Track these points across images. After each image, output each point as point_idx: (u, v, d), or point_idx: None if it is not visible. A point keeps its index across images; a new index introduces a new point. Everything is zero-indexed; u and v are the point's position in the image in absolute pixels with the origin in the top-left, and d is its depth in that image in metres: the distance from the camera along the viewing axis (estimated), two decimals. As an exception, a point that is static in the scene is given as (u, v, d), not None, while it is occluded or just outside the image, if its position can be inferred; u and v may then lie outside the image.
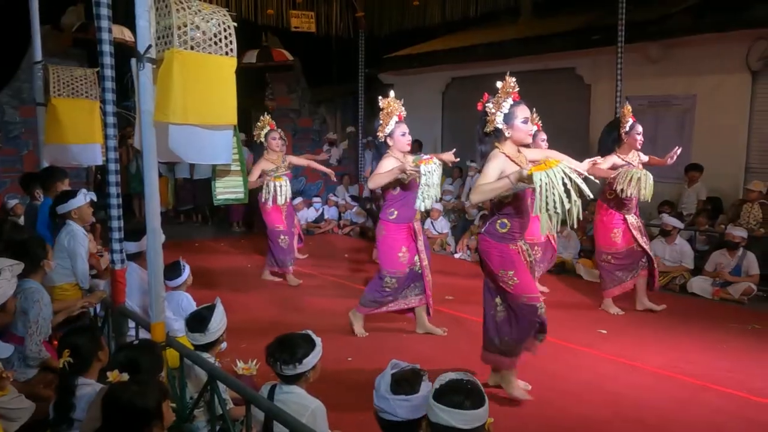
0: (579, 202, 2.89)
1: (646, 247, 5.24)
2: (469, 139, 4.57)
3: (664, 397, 3.53)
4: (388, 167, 4.33)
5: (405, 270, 4.49)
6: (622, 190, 4.96)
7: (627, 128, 5.08)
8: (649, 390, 3.61)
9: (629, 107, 5.19)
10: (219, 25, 2.80)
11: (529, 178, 2.89)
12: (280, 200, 6.06)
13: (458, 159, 4.54)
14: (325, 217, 9.93)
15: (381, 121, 4.47)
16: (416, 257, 4.51)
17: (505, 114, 3.24)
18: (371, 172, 4.71)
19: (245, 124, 13.14)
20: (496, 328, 3.46)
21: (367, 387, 2.09)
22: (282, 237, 6.18)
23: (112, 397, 1.92)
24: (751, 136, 7.38)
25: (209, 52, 2.75)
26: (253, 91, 11.02)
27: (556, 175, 2.83)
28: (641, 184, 4.91)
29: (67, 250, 3.78)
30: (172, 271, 4.08)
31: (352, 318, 4.71)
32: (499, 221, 3.34)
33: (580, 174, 3.02)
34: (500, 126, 3.26)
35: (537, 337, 3.45)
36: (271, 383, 2.59)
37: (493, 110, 3.28)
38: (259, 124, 6.35)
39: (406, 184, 4.37)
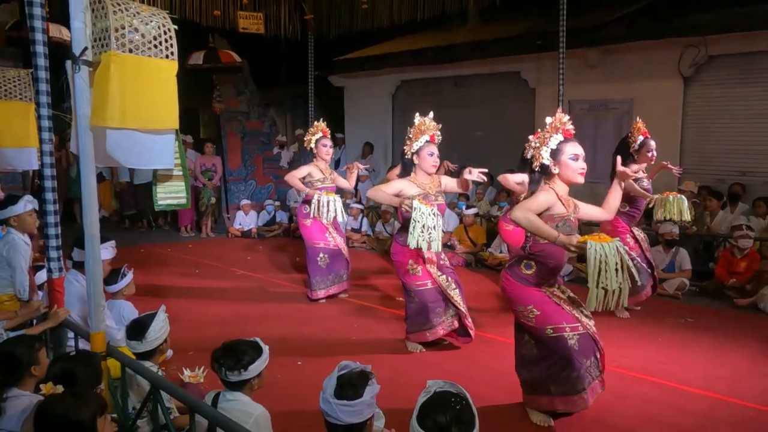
0: (627, 285, 2.81)
1: (651, 257, 5.26)
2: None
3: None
4: (394, 189, 4.19)
5: (425, 284, 4.29)
6: (656, 213, 5.00)
7: (636, 146, 5.00)
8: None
9: (640, 123, 5.09)
10: (159, 27, 2.74)
11: (579, 247, 2.78)
12: (328, 217, 5.54)
13: (479, 179, 4.25)
14: (277, 220, 9.85)
15: (410, 137, 4.24)
16: (440, 277, 4.30)
17: (552, 149, 3.06)
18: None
19: (193, 125, 12.89)
20: (525, 364, 3.33)
21: (317, 391, 2.10)
22: (321, 255, 5.65)
23: (46, 410, 1.86)
24: (684, 138, 7.78)
25: (149, 56, 2.69)
26: (201, 93, 10.82)
27: (611, 250, 2.76)
28: (676, 208, 5.00)
29: (6, 260, 3.63)
30: (112, 275, 3.98)
31: (405, 344, 4.50)
32: (525, 261, 3.18)
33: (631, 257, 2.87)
34: (546, 162, 3.07)
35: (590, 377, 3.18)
36: (215, 391, 2.57)
37: (538, 144, 3.10)
38: (311, 129, 5.87)
39: None
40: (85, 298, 3.25)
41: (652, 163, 5.13)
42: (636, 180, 5.04)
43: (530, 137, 3.24)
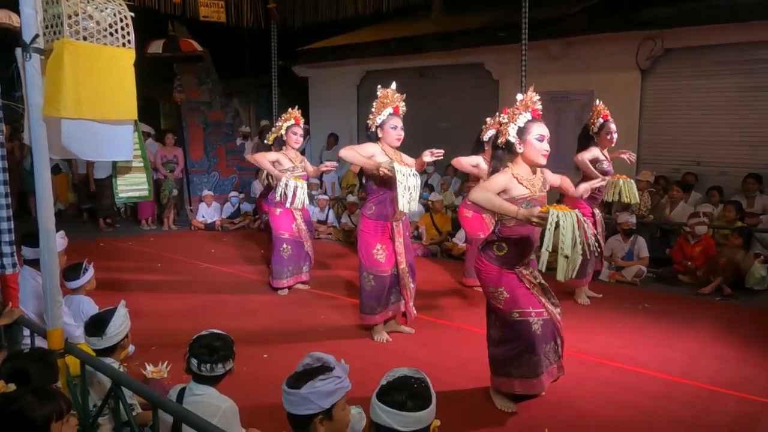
0: (579, 258, 2.83)
1: (602, 240, 5.40)
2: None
3: (563, 375, 3.77)
4: (367, 152, 4.17)
5: (386, 270, 4.32)
6: (606, 195, 5.10)
7: (596, 128, 5.10)
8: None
9: (600, 106, 5.15)
10: (114, 15, 2.66)
11: (541, 218, 2.80)
12: (296, 203, 5.41)
13: (437, 158, 4.25)
14: (241, 212, 9.73)
15: (373, 110, 4.23)
16: (401, 266, 4.34)
17: (519, 127, 3.08)
18: None
19: (154, 116, 12.58)
20: (493, 344, 3.38)
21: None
22: (284, 246, 5.62)
23: (4, 404, 1.81)
24: (642, 129, 8.00)
25: (104, 43, 2.60)
26: (161, 83, 10.56)
27: (573, 219, 2.79)
28: (624, 192, 5.11)
29: None
30: (73, 271, 3.87)
31: (372, 335, 4.49)
32: (496, 243, 3.22)
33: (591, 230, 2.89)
34: (512, 139, 3.08)
35: (548, 360, 3.27)
36: (180, 386, 2.54)
37: (507, 120, 3.11)
38: (284, 115, 5.68)
39: (385, 182, 4.19)
40: (41, 295, 3.16)
41: (612, 145, 5.24)
42: (597, 162, 5.12)
43: (487, 119, 3.28)
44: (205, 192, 9.75)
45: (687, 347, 4.35)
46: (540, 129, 3.09)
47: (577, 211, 2.88)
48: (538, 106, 3.13)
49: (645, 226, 6.86)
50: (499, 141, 3.17)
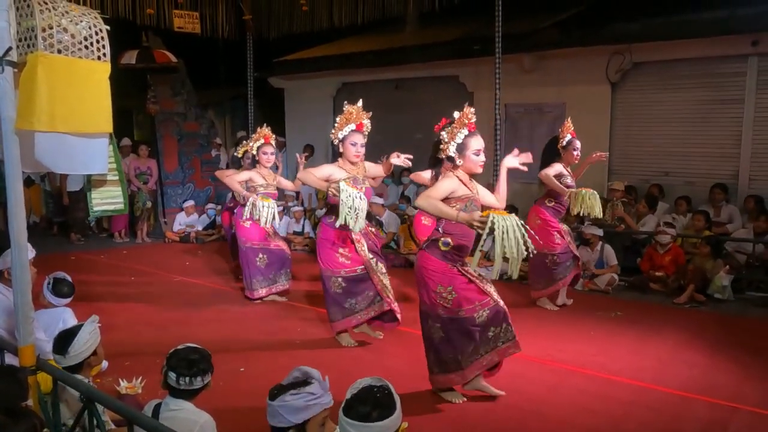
0: (523, 255, 3.04)
1: (575, 249, 5.63)
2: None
3: (536, 383, 3.84)
4: (323, 173, 4.30)
5: (355, 269, 4.38)
6: (572, 208, 5.34)
7: (564, 143, 5.34)
8: (522, 377, 3.88)
9: (569, 123, 5.41)
10: (90, 28, 2.66)
11: (481, 222, 3.02)
12: (264, 222, 5.38)
13: (404, 162, 4.34)
14: (217, 224, 9.65)
15: (336, 124, 4.37)
16: (371, 260, 4.39)
17: (458, 144, 3.35)
18: None
19: (127, 127, 12.43)
20: (434, 349, 3.51)
21: (261, 398, 2.08)
22: (261, 255, 5.65)
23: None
24: (612, 141, 8.19)
25: (79, 57, 2.60)
26: (135, 93, 10.45)
27: (513, 222, 3.00)
28: (588, 204, 5.26)
29: None
30: (67, 288, 3.79)
31: (337, 339, 4.58)
32: (442, 239, 3.39)
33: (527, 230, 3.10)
34: (452, 155, 3.38)
35: (494, 345, 3.48)
36: (155, 401, 2.51)
37: (447, 139, 3.38)
38: (254, 135, 5.81)
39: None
40: (11, 311, 3.09)
41: (576, 162, 5.49)
42: (561, 176, 5.35)
43: (442, 134, 3.46)
44: (188, 203, 9.67)
45: (657, 354, 4.45)
46: (477, 143, 3.38)
47: (513, 216, 3.08)
48: (473, 120, 3.40)
49: (617, 235, 7.01)
50: (439, 155, 3.47)
